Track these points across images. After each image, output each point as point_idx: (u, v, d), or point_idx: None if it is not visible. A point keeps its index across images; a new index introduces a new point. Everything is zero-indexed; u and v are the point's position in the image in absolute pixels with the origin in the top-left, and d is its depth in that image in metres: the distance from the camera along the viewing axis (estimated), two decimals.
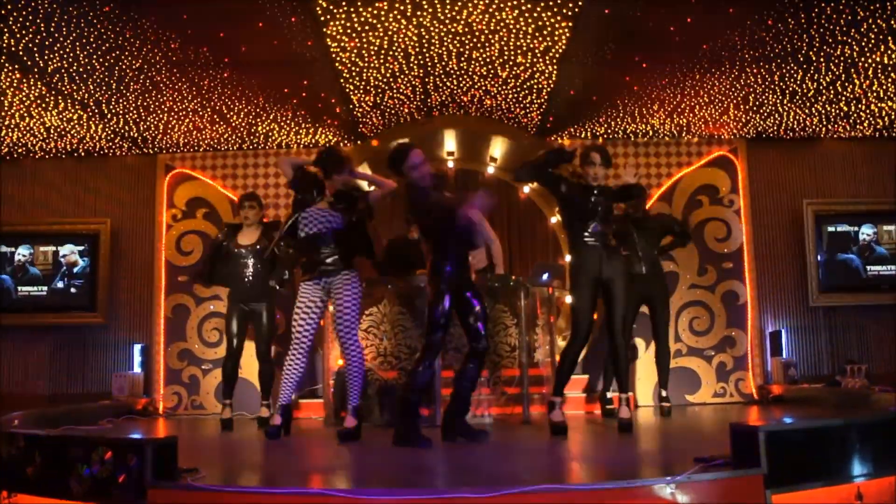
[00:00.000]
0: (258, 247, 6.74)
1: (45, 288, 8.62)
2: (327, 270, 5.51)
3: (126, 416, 7.35)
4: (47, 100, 7.23)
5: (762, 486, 3.31)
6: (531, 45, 6.55)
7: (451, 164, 9.14)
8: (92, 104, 7.36)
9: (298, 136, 8.45)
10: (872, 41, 6.37)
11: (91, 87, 6.98)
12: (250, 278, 6.71)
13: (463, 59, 6.83)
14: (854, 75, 7.05)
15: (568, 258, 6.07)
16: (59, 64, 6.50)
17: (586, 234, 5.47)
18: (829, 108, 7.89)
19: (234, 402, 6.80)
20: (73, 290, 8.61)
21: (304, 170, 5.71)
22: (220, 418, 6.68)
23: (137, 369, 8.27)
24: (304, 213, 5.57)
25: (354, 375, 5.47)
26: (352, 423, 5.40)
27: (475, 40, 6.47)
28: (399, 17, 6.04)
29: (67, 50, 6.26)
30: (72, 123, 7.85)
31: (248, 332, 6.86)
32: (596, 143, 5.73)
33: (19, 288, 8.61)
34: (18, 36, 6.02)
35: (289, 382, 5.50)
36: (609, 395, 6.95)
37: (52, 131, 8.02)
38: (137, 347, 8.37)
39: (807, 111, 7.96)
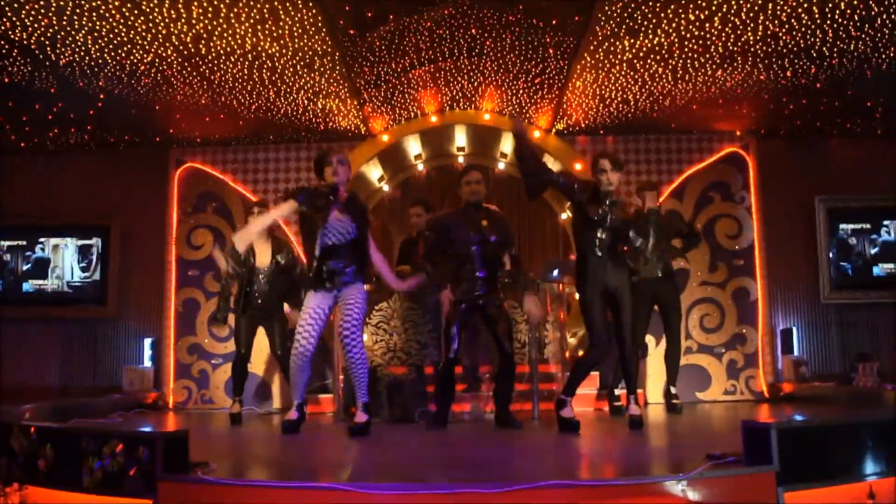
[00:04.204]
0: (274, 264, 6.70)
1: (56, 281, 8.66)
2: (344, 282, 5.44)
3: (136, 409, 7.37)
4: (60, 93, 7.24)
5: (774, 483, 3.30)
6: (543, 41, 6.53)
7: (461, 160, 9.13)
8: (103, 98, 7.37)
9: (309, 132, 8.44)
10: (886, 37, 6.33)
11: (102, 80, 6.99)
12: (266, 295, 6.66)
13: (474, 53, 6.81)
14: (867, 71, 7.01)
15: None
16: (70, 58, 6.52)
17: (594, 242, 5.44)
18: (841, 104, 7.84)
19: (243, 397, 6.81)
20: (83, 283, 8.64)
21: (306, 189, 5.50)
22: (230, 412, 6.68)
23: (148, 363, 8.30)
24: (325, 224, 5.43)
25: (360, 375, 5.43)
26: (362, 419, 5.39)
27: (486, 35, 6.45)
28: (410, 10, 6.03)
29: (79, 43, 6.28)
30: (83, 116, 7.86)
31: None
32: (604, 150, 5.68)
33: (30, 281, 8.65)
34: (31, 30, 6.04)
35: (299, 384, 5.48)
36: (617, 391, 6.93)
37: (63, 124, 8.03)
38: (148, 341, 8.39)
39: (819, 107, 7.91)
